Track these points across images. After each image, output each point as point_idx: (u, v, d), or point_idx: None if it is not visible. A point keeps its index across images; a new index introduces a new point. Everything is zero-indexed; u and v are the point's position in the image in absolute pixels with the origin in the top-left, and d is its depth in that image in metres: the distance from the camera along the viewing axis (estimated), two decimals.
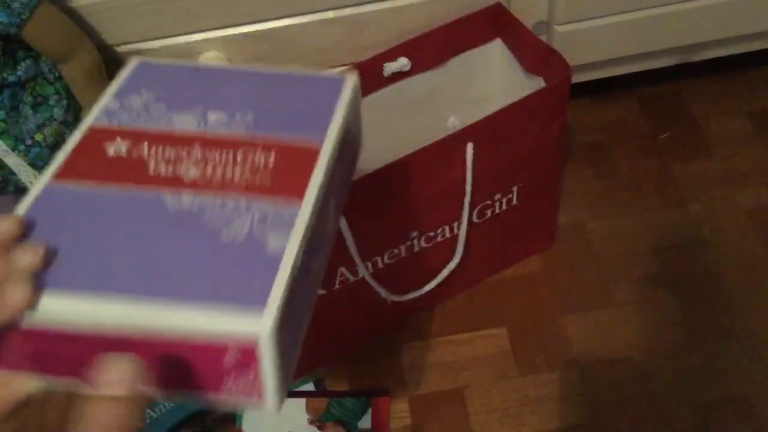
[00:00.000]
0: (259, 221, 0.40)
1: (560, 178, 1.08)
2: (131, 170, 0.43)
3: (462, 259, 0.90)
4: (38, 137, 0.79)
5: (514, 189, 0.89)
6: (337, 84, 0.49)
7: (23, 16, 0.71)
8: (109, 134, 0.45)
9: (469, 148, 0.79)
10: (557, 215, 1.03)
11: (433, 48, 0.88)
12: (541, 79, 0.85)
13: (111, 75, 0.85)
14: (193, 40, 0.86)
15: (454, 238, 0.88)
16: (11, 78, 0.75)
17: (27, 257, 0.36)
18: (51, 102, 0.79)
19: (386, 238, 0.83)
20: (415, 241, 0.86)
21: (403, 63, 0.87)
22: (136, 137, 0.45)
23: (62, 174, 0.43)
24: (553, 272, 1.02)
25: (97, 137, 0.45)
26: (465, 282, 0.98)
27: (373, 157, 0.93)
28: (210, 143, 0.44)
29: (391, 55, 0.87)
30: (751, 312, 0.96)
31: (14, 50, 0.75)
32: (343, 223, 0.76)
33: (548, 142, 0.86)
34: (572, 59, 0.83)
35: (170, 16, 0.83)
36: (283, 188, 0.42)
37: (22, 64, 0.76)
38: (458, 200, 0.84)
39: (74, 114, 0.82)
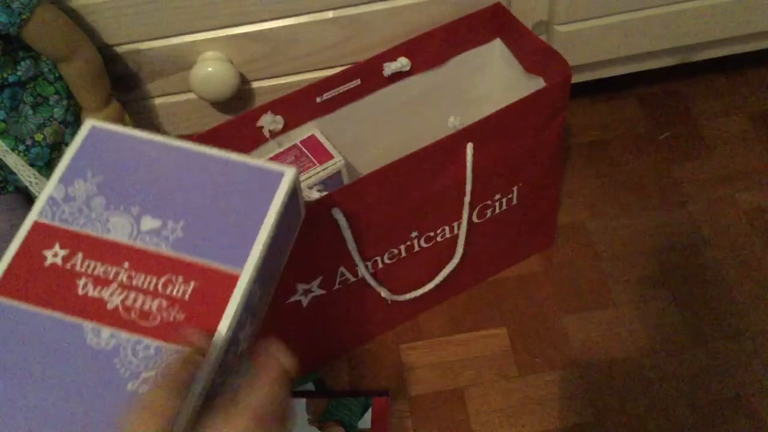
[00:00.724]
0: (143, 365, 0.43)
1: (560, 178, 1.08)
2: (62, 288, 0.46)
3: (462, 259, 0.89)
4: (38, 137, 0.79)
5: (515, 189, 0.89)
6: (274, 181, 0.50)
7: (23, 16, 0.71)
8: (50, 236, 0.47)
9: (469, 148, 0.79)
10: (557, 215, 1.03)
11: (433, 48, 0.88)
12: (541, 79, 0.85)
13: (111, 75, 0.85)
14: (192, 40, 0.86)
15: (454, 238, 0.88)
16: (11, 78, 0.75)
17: None
18: (51, 102, 0.79)
19: (386, 238, 0.83)
20: (415, 241, 0.86)
21: (403, 63, 0.87)
22: (73, 244, 0.47)
23: (1, 289, 0.45)
24: (553, 272, 1.02)
25: (38, 239, 0.47)
26: (465, 282, 0.98)
27: (373, 157, 0.93)
28: (137, 263, 0.47)
29: (391, 55, 0.86)
30: (752, 312, 0.96)
31: (14, 50, 0.75)
32: (343, 223, 0.76)
33: (548, 142, 0.86)
34: (572, 59, 0.83)
35: (170, 16, 0.83)
36: (191, 334, 0.44)
37: (22, 64, 0.76)
38: (458, 200, 0.84)
39: (74, 114, 0.82)
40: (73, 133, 0.82)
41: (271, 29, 0.86)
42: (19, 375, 0.43)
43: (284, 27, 0.87)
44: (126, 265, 0.47)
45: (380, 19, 0.88)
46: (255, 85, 0.93)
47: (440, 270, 0.90)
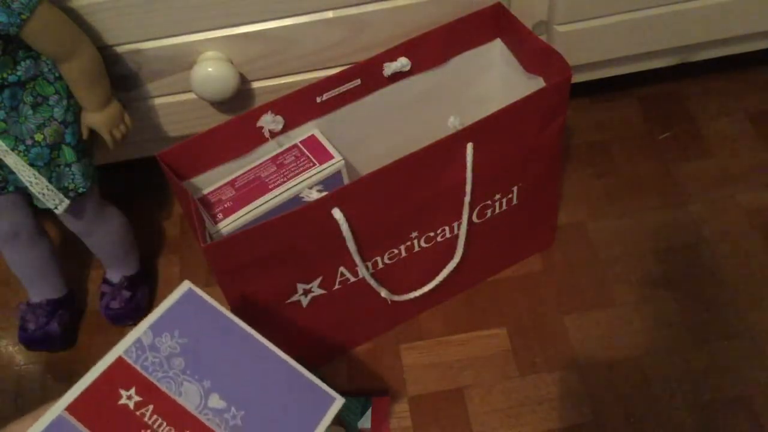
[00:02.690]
0: None
1: (560, 178, 1.08)
2: (127, 428, 0.49)
3: (462, 259, 0.90)
4: (38, 137, 0.79)
5: (515, 189, 0.89)
6: (325, 402, 0.55)
7: (23, 16, 0.71)
8: (130, 377, 0.51)
9: (469, 148, 0.79)
10: (557, 215, 1.03)
11: (433, 48, 0.88)
12: (541, 79, 0.85)
13: (111, 75, 0.84)
14: (192, 40, 0.86)
15: (455, 238, 0.88)
16: (11, 78, 0.75)
17: None
18: (51, 102, 0.79)
19: (386, 238, 0.83)
20: (415, 241, 0.86)
21: (403, 63, 0.87)
22: (148, 394, 0.51)
23: (74, 409, 0.48)
24: (553, 272, 1.02)
25: (118, 375, 0.51)
26: (465, 282, 0.98)
27: (373, 157, 0.93)
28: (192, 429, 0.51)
29: (391, 55, 0.86)
30: (752, 312, 0.96)
31: (14, 50, 0.75)
32: (343, 223, 0.76)
33: (548, 142, 0.86)
34: (572, 59, 0.83)
35: (170, 15, 0.83)
36: None
37: (22, 64, 0.76)
38: (458, 200, 0.84)
39: (74, 114, 0.82)
40: (74, 133, 0.82)
41: (271, 29, 0.86)
42: None
43: (284, 27, 0.87)
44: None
45: (380, 19, 0.88)
46: (255, 85, 0.93)
47: (440, 270, 0.90)
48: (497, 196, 0.88)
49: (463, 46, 0.90)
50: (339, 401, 0.56)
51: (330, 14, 0.86)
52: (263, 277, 0.77)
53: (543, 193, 0.94)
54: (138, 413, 0.50)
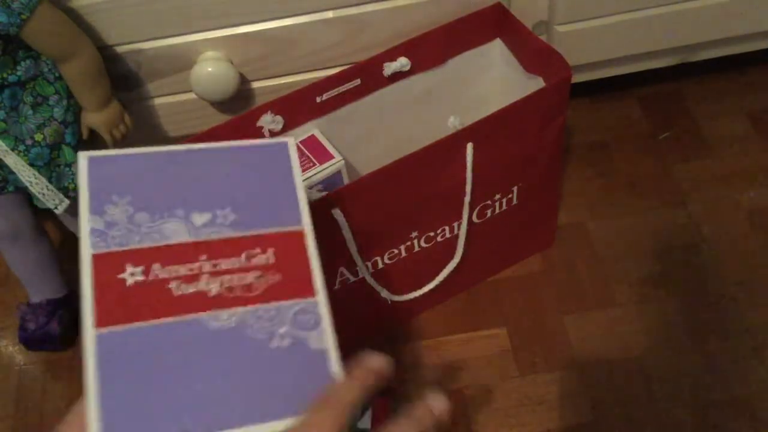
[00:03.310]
0: (293, 324, 0.47)
1: (560, 178, 1.08)
2: (159, 299, 0.47)
3: (462, 259, 0.89)
4: (38, 137, 0.79)
5: (515, 189, 0.89)
6: (280, 151, 0.54)
7: (23, 16, 0.71)
8: (116, 260, 0.47)
9: (469, 148, 0.79)
10: (557, 215, 1.03)
11: (433, 48, 0.88)
12: (541, 79, 0.85)
13: (111, 75, 0.84)
14: (192, 40, 0.86)
15: (455, 238, 0.88)
16: (11, 78, 0.75)
17: None
18: (51, 102, 0.79)
19: (386, 238, 0.83)
20: (416, 241, 0.86)
21: (403, 63, 0.87)
22: (143, 259, 0.48)
23: (101, 321, 0.45)
24: (553, 272, 1.02)
25: (106, 267, 0.47)
26: (465, 282, 0.98)
27: (373, 157, 0.93)
28: (213, 252, 0.49)
29: (391, 55, 0.86)
30: (752, 312, 0.96)
31: (14, 50, 0.75)
32: (343, 223, 0.76)
33: (548, 141, 0.86)
34: (572, 59, 0.83)
35: (169, 15, 0.83)
36: (297, 286, 0.48)
37: (22, 64, 0.76)
38: (458, 200, 0.84)
39: (74, 114, 0.82)
40: (74, 133, 0.82)
41: (270, 29, 0.86)
42: (166, 382, 0.44)
43: (284, 27, 0.87)
44: (203, 257, 0.49)
45: (380, 19, 0.88)
46: (255, 85, 0.93)
47: (440, 270, 0.90)
48: (497, 196, 0.88)
49: (463, 46, 0.90)
50: (291, 140, 0.55)
51: (330, 14, 0.86)
52: None
53: (543, 193, 0.94)
54: (151, 278, 0.47)
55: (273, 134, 0.84)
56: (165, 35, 0.86)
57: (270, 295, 0.48)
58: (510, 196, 0.89)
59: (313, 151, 0.84)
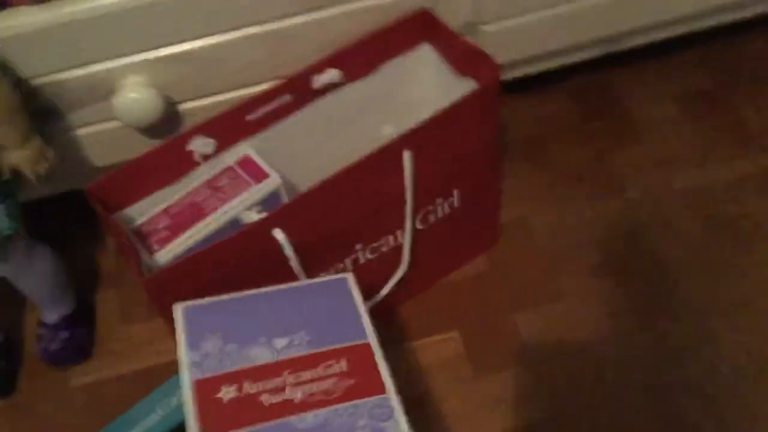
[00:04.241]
0: (370, 417, 0.56)
1: (499, 176, 1.08)
2: (252, 409, 0.56)
3: (409, 266, 0.89)
4: None
5: (455, 192, 0.88)
6: (341, 284, 0.66)
7: None
8: (213, 384, 0.57)
9: (407, 155, 0.78)
10: (499, 213, 1.03)
11: (361, 57, 0.87)
12: (472, 80, 0.85)
13: (30, 108, 0.81)
14: (112, 66, 0.83)
15: (399, 247, 0.88)
16: None
17: None
18: None
19: (330, 253, 0.82)
20: (360, 254, 0.85)
21: (332, 74, 0.85)
22: (235, 379, 0.57)
23: (207, 429, 0.54)
24: (501, 271, 1.02)
25: (205, 390, 0.56)
26: (414, 289, 0.97)
27: (311, 173, 0.91)
28: (294, 367, 0.58)
29: (319, 67, 0.85)
30: (696, 292, 0.98)
31: None
32: (285, 243, 0.74)
33: (484, 141, 0.86)
34: (501, 57, 0.83)
35: (88, 43, 0.80)
36: (368, 387, 0.57)
37: None
38: (400, 208, 0.83)
39: None
40: None
41: (194, 49, 0.84)
42: None
43: (208, 46, 0.84)
44: (286, 372, 0.59)
45: (305, 31, 0.86)
46: (183, 106, 0.90)
47: (388, 279, 0.89)
48: (439, 201, 0.87)
49: (392, 53, 0.90)
50: (350, 276, 0.68)
51: (253, 30, 0.85)
52: None
53: (484, 193, 0.94)
54: (243, 394, 0.57)
55: (205, 158, 0.82)
56: (83, 63, 0.83)
57: (347, 396, 0.57)
58: (451, 199, 0.89)
59: (249, 172, 0.82)
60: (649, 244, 1.03)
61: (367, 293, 0.89)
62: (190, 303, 0.63)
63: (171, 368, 0.94)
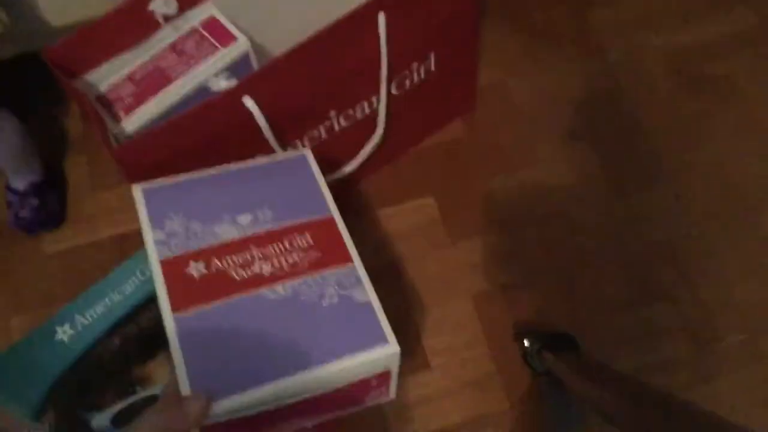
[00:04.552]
0: (338, 286, 0.58)
1: (477, 38, 1.04)
2: (222, 283, 0.57)
3: (384, 132, 0.87)
4: None
5: (431, 55, 0.85)
6: (301, 160, 0.67)
7: None
8: (181, 261, 0.58)
9: (381, 17, 0.74)
10: (477, 77, 1.00)
11: None
12: None
13: None
14: None
15: (374, 113, 0.85)
16: None
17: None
18: None
19: (304, 120, 0.80)
20: (335, 121, 0.83)
21: None
22: (203, 256, 0.58)
23: (177, 306, 0.55)
24: (476, 136, 1.01)
25: (173, 267, 0.57)
26: (389, 155, 0.96)
27: (281, 37, 0.87)
28: (260, 242, 0.60)
29: None
30: (672, 157, 0.98)
31: None
32: (256, 112, 0.72)
33: (461, 3, 0.82)
34: None
35: None
36: (334, 258, 0.59)
37: None
38: (375, 73, 0.80)
39: None
40: None
41: None
42: (239, 343, 0.54)
43: None
44: (252, 247, 0.59)
45: None
46: None
47: (363, 146, 0.87)
48: (414, 65, 0.84)
49: None
50: (308, 152, 0.67)
51: None
52: (179, 173, 0.73)
53: (461, 56, 0.91)
54: (213, 269, 0.58)
55: (167, 19, 0.77)
56: None
57: (314, 267, 0.59)
58: (427, 62, 0.86)
59: (215, 35, 0.78)
60: (628, 107, 1.02)
61: (343, 160, 0.88)
62: (149, 183, 0.63)
63: None
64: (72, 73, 0.75)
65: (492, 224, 0.95)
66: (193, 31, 0.78)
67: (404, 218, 0.95)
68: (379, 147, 0.89)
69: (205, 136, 0.71)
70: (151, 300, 0.88)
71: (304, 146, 0.83)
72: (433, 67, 0.87)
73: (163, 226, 0.61)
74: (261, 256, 0.60)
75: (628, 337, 0.87)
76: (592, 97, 1.03)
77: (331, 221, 0.63)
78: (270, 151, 0.78)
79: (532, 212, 0.95)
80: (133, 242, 0.95)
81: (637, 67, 1.05)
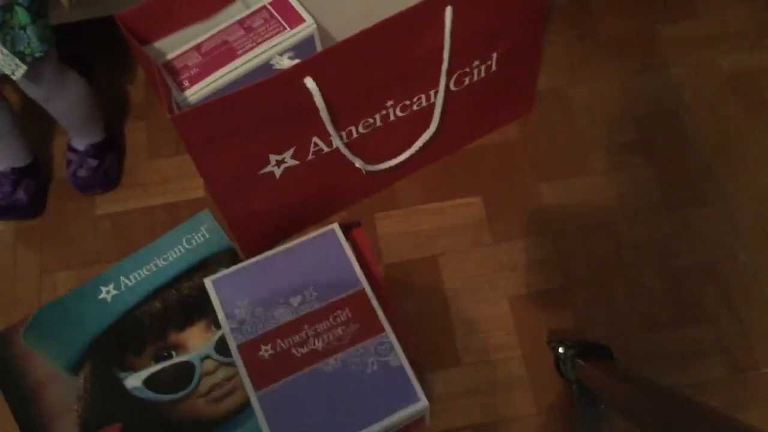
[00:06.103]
0: (376, 354, 0.77)
1: (541, 41, 1.04)
2: (287, 362, 0.77)
3: (438, 127, 0.87)
4: None
5: (494, 55, 0.85)
6: (330, 235, 0.85)
7: None
8: (253, 346, 0.78)
9: (448, 12, 0.75)
10: (537, 80, 1.00)
11: None
12: None
13: None
14: None
15: (431, 107, 0.86)
16: None
17: None
18: None
19: (361, 107, 0.81)
20: (391, 110, 0.83)
21: None
22: (269, 340, 0.78)
23: (258, 386, 0.76)
24: (530, 139, 1.00)
25: (248, 351, 0.78)
26: (441, 151, 0.96)
27: (347, 21, 0.88)
28: (311, 321, 0.79)
29: None
30: (727, 179, 0.96)
31: None
32: (316, 93, 0.73)
33: (530, 2, 0.82)
34: None
35: None
36: (371, 329, 0.78)
37: None
38: (436, 67, 0.80)
39: None
40: None
41: None
42: (308, 410, 0.74)
43: None
44: (306, 327, 0.78)
45: None
46: None
47: (416, 139, 0.88)
48: (476, 63, 0.85)
49: None
50: (335, 227, 0.87)
51: None
52: (234, 147, 0.75)
53: (524, 58, 0.91)
54: (278, 351, 0.77)
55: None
56: None
57: (355, 339, 0.77)
58: (489, 62, 0.86)
59: (283, 14, 0.80)
60: (687, 125, 1.00)
61: (394, 150, 0.88)
62: (215, 275, 0.82)
63: (195, 205, 0.97)
64: (142, 39, 0.77)
65: (537, 229, 0.94)
66: (262, 9, 0.80)
67: (450, 214, 0.96)
68: (432, 141, 0.89)
69: (263, 112, 0.73)
70: (193, 269, 0.91)
71: (359, 132, 0.83)
72: (494, 67, 0.87)
73: (234, 315, 0.79)
74: (313, 333, 0.78)
75: (663, 355, 0.87)
76: (652, 111, 1.02)
77: (363, 294, 0.80)
78: (324, 133, 0.79)
79: (579, 221, 0.95)
80: (182, 212, 0.97)
81: (701, 85, 1.03)
